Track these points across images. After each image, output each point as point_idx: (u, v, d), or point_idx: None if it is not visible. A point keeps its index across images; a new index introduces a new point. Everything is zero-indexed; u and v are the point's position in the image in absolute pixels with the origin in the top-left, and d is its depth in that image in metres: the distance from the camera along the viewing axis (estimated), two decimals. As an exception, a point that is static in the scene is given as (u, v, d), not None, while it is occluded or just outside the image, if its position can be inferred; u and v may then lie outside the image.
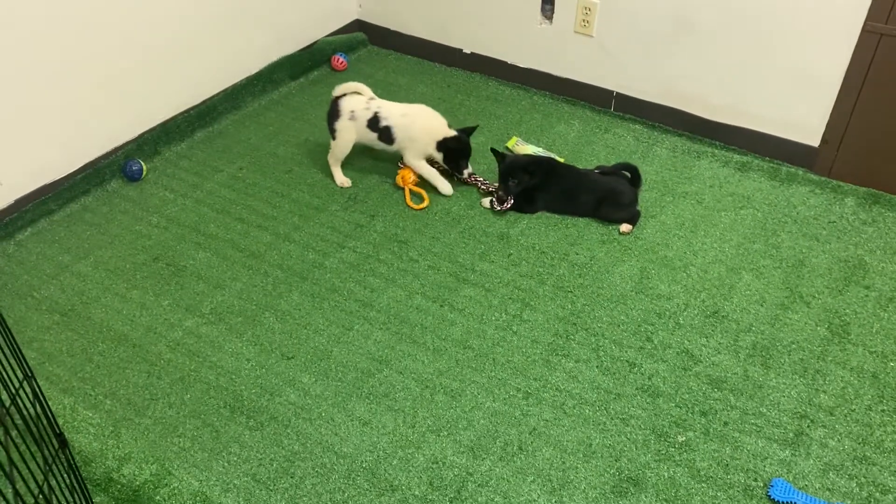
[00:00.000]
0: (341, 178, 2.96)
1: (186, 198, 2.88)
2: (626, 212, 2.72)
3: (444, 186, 2.89)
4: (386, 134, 2.83)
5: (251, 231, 2.72)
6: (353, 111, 2.83)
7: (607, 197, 2.72)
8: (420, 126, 2.82)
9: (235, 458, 1.96)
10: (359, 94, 2.88)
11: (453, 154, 2.85)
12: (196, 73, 3.20)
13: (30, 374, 1.34)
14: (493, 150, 2.79)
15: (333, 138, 2.89)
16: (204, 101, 3.27)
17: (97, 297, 2.45)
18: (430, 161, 2.91)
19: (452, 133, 2.83)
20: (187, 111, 3.20)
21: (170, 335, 2.31)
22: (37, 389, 1.35)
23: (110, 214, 2.79)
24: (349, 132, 2.85)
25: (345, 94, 2.87)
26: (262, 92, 3.49)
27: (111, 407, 2.09)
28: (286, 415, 2.07)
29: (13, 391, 1.27)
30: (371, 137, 2.86)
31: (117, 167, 2.95)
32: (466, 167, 2.88)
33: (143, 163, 2.96)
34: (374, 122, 2.82)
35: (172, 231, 2.72)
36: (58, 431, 1.44)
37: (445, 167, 2.91)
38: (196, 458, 1.96)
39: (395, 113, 2.83)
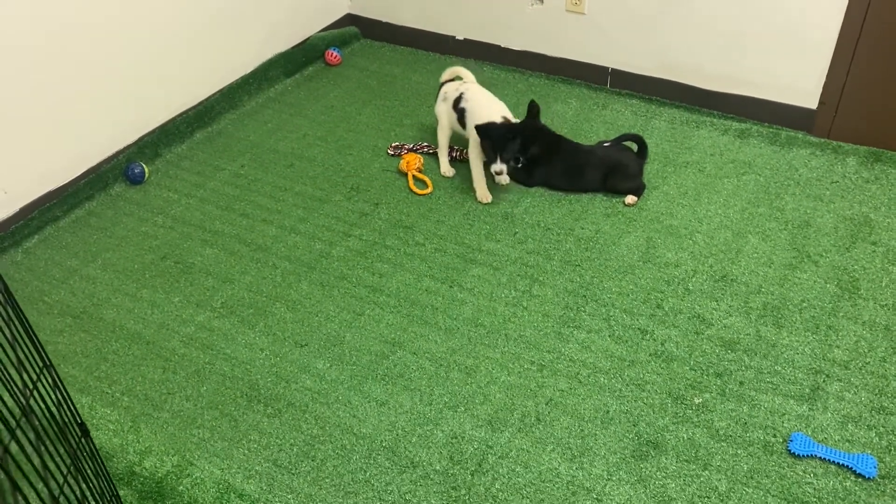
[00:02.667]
0: (445, 167, 2.92)
1: (190, 197, 2.89)
2: (633, 182, 2.73)
3: (481, 192, 2.76)
4: (461, 116, 2.80)
5: (256, 225, 2.73)
6: (446, 93, 2.88)
7: (614, 169, 2.72)
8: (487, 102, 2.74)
9: (255, 446, 1.97)
10: (460, 78, 2.95)
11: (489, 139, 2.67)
12: (192, 74, 3.21)
13: (48, 363, 1.35)
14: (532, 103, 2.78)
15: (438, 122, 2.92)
16: (201, 102, 3.28)
17: (108, 298, 2.46)
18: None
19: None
20: (185, 112, 3.21)
21: (182, 330, 2.32)
22: (56, 378, 1.36)
23: (116, 218, 2.81)
24: (444, 115, 2.88)
25: (450, 80, 2.96)
26: (259, 90, 3.50)
27: (129, 403, 2.10)
28: (303, 400, 2.08)
29: (34, 379, 1.27)
30: (454, 120, 2.84)
31: (119, 171, 2.96)
32: (497, 161, 2.63)
33: (144, 165, 2.97)
34: (456, 104, 2.82)
35: (178, 230, 2.73)
36: (80, 420, 1.45)
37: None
38: (216, 448, 1.96)
39: (475, 97, 2.77)
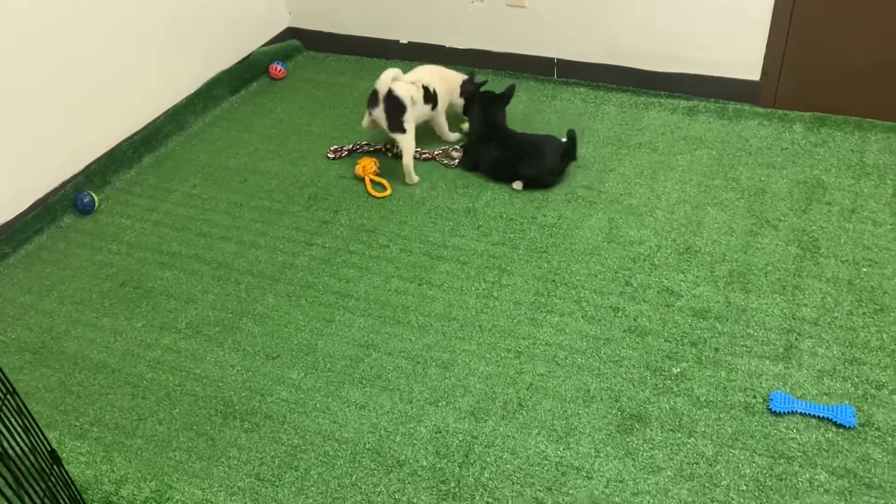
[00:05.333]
0: (414, 177, 2.85)
1: (143, 222, 2.82)
2: (537, 169, 2.71)
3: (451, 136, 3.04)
4: (434, 100, 2.89)
5: (215, 243, 2.67)
6: (412, 97, 2.77)
7: (529, 153, 2.72)
8: (444, 75, 2.95)
9: (235, 462, 1.91)
10: (397, 79, 2.78)
11: (472, 98, 2.93)
12: (136, 97, 3.14)
13: (11, 390, 1.29)
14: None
15: (403, 132, 2.77)
16: (147, 126, 3.21)
17: (67, 330, 2.37)
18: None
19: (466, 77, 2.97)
20: (131, 137, 3.14)
21: (148, 355, 2.25)
22: (21, 405, 1.30)
23: (68, 249, 2.72)
24: (413, 121, 2.83)
25: (391, 84, 2.75)
26: (205, 109, 3.44)
27: (99, 434, 2.03)
28: (280, 412, 2.03)
29: (-3, 406, 1.22)
30: (426, 111, 2.90)
31: (68, 202, 2.88)
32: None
33: (93, 194, 2.89)
34: (427, 96, 2.86)
35: (134, 256, 2.66)
36: (49, 448, 1.39)
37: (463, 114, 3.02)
38: (195, 468, 1.90)
39: (426, 77, 2.88)
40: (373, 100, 2.77)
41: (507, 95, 2.90)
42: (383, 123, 2.79)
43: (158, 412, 2.07)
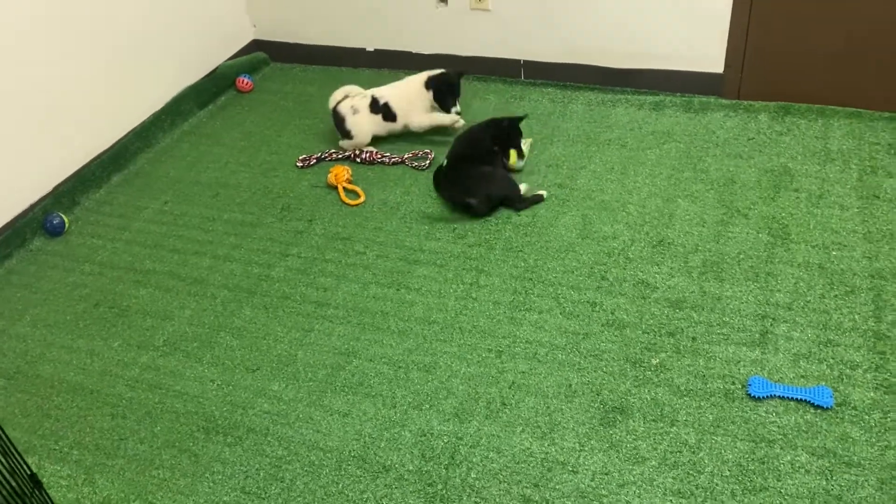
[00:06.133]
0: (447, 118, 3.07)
1: (115, 241, 2.79)
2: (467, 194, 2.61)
3: (449, 118, 3.06)
4: (387, 111, 3.04)
5: (189, 259, 2.65)
6: (352, 106, 3.02)
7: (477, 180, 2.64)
8: (404, 87, 3.06)
9: (220, 476, 1.89)
10: (349, 95, 3.09)
11: (443, 89, 3.02)
12: (102, 116, 3.11)
13: (-13, 414, 1.27)
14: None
15: (350, 137, 3.05)
16: (114, 144, 3.18)
17: (41, 354, 2.34)
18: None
19: (437, 72, 3.05)
20: (100, 156, 3.11)
21: (127, 374, 2.23)
22: (-2, 429, 1.28)
23: (39, 272, 2.68)
24: (367, 128, 3.05)
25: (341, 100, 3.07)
26: (173, 125, 3.42)
27: (79, 456, 2.00)
28: (263, 424, 2.02)
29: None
30: (377, 120, 3.05)
31: (37, 225, 2.84)
32: (455, 105, 3.04)
33: (63, 215, 2.85)
34: (374, 105, 3.03)
35: (108, 275, 2.63)
36: (30, 472, 1.37)
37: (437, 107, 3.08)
38: (179, 485, 1.88)
39: (385, 92, 3.06)
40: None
41: (506, 128, 2.76)
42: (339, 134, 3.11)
43: (139, 431, 2.05)
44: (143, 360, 2.27)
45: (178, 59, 3.45)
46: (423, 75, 3.06)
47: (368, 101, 3.03)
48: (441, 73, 3.04)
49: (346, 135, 3.06)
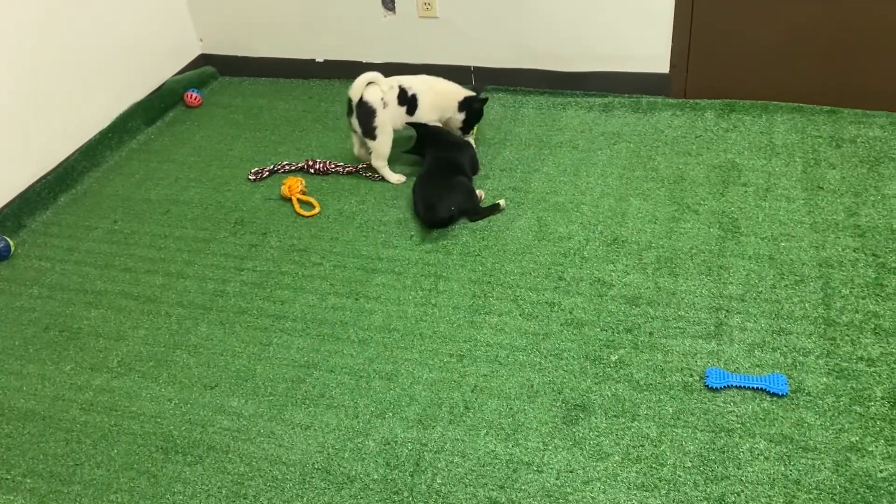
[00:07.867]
0: (396, 176, 2.91)
1: (64, 262, 2.72)
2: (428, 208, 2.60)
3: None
4: (413, 104, 2.84)
5: (141, 277, 2.60)
6: (383, 99, 2.76)
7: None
8: (440, 89, 2.90)
9: (181, 497, 1.85)
10: (373, 83, 2.77)
11: (476, 115, 2.93)
12: (46, 135, 3.04)
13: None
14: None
15: (374, 138, 2.79)
16: (60, 164, 3.10)
17: (-10, 381, 2.27)
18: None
19: (471, 93, 2.92)
20: (45, 177, 3.03)
21: (80, 398, 2.17)
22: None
23: (-16, 298, 2.60)
24: (388, 121, 2.80)
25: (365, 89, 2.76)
26: (120, 143, 3.35)
27: (33, 484, 1.94)
28: (223, 441, 1.98)
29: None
30: (401, 113, 2.83)
31: (-19, 249, 2.76)
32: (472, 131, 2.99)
33: (8, 239, 2.77)
34: (402, 97, 2.81)
35: (57, 298, 2.56)
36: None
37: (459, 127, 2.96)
38: (138, 509, 1.84)
39: (415, 83, 2.86)
40: (348, 108, 2.82)
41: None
42: (358, 130, 2.82)
43: (95, 455, 2.00)
44: (97, 383, 2.21)
45: (123, 76, 3.39)
46: (458, 90, 2.90)
47: (396, 92, 2.78)
48: (478, 100, 2.89)
49: (370, 133, 2.77)
